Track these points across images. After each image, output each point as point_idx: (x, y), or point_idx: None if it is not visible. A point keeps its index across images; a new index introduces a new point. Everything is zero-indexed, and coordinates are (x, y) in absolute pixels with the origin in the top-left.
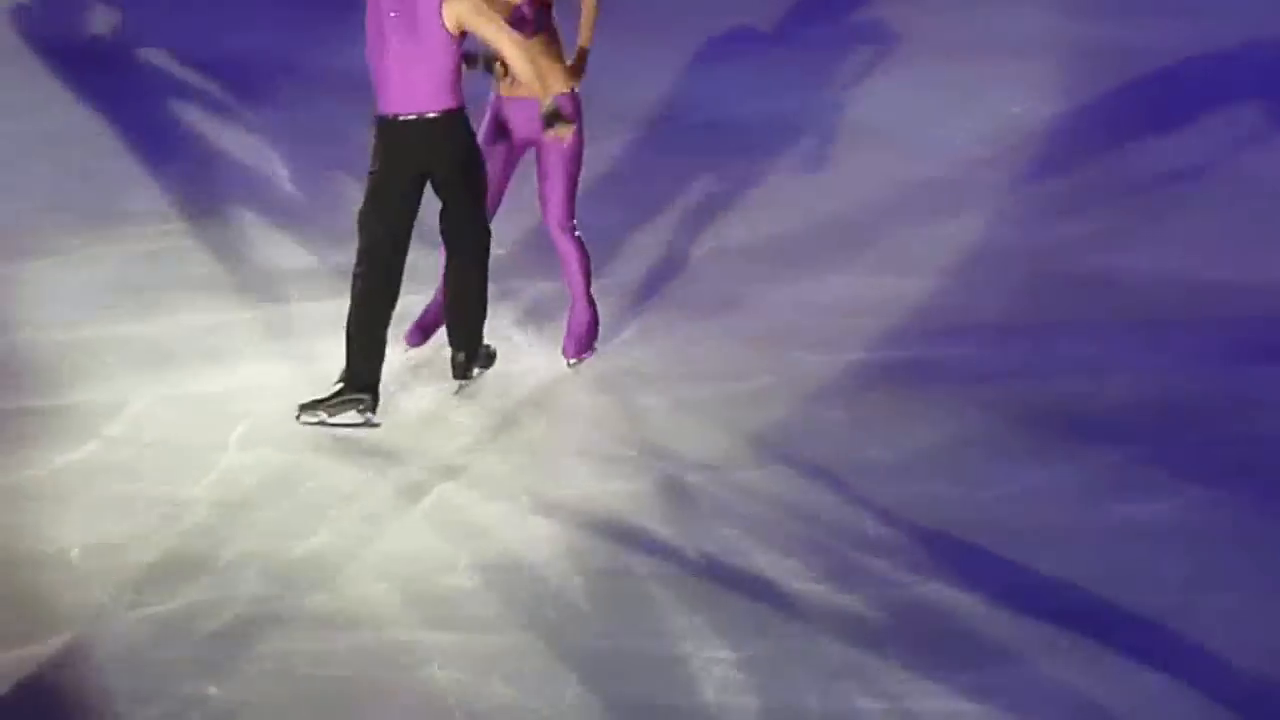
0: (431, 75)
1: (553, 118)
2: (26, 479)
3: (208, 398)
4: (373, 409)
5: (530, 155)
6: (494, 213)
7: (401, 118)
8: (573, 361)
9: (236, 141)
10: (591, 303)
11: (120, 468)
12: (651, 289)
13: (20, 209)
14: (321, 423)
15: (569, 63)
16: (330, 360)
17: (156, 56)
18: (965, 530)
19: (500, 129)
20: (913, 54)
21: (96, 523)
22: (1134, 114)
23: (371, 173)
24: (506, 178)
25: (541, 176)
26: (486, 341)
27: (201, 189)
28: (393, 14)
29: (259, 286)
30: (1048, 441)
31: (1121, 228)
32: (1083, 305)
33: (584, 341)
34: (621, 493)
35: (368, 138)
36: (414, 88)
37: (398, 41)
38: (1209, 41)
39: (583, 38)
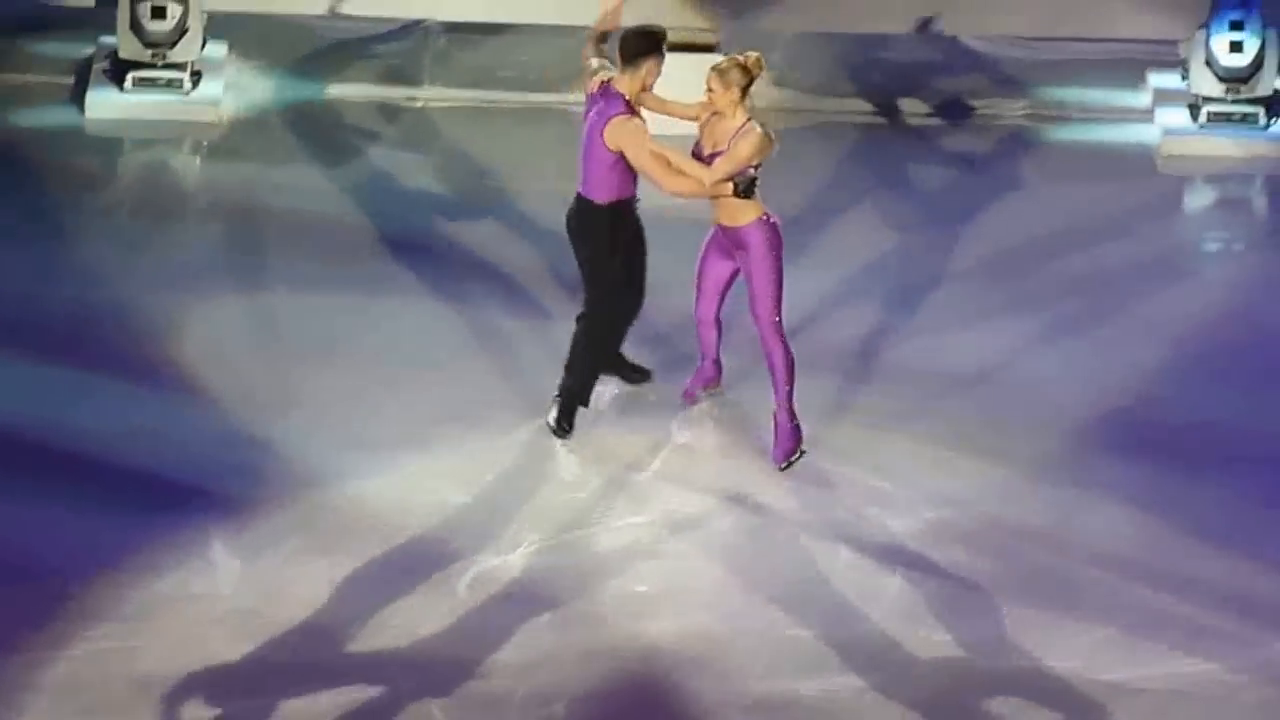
0: (591, 172)
1: (746, 186)
2: None
3: None
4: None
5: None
6: (716, 315)
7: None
8: (782, 466)
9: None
10: (792, 413)
11: None
12: None
13: None
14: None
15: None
16: None
17: None
18: None
19: (716, 248)
20: None
21: None
22: None
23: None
24: (719, 289)
25: (749, 284)
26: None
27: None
28: (588, 120)
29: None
30: None
31: None
32: None
33: (788, 449)
34: None
35: None
36: (584, 175)
37: (585, 139)
38: None
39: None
